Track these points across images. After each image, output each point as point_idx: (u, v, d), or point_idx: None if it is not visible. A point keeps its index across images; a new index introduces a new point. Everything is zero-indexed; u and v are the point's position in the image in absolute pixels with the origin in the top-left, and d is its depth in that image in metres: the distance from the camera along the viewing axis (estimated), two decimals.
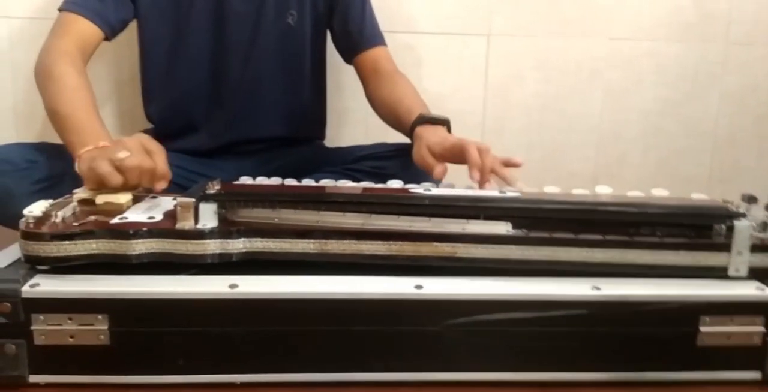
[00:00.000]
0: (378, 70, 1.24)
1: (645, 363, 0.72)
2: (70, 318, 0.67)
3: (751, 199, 0.77)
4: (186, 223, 0.72)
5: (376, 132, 1.46)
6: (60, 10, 1.12)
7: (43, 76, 1.04)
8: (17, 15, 1.35)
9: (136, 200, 0.82)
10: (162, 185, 0.84)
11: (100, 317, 0.67)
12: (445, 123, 1.04)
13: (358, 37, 1.25)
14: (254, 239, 0.73)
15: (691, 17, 1.51)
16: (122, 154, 0.80)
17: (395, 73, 1.24)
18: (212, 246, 0.71)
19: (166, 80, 1.23)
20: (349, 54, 1.27)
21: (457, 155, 0.92)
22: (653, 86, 1.54)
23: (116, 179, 0.80)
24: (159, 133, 1.26)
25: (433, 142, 0.97)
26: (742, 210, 0.76)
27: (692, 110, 1.56)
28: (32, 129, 1.38)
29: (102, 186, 0.80)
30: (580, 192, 0.84)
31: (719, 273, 0.74)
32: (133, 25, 1.21)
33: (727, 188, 1.58)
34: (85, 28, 1.11)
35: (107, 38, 1.14)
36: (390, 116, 1.18)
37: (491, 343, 0.71)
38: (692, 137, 1.58)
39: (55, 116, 0.99)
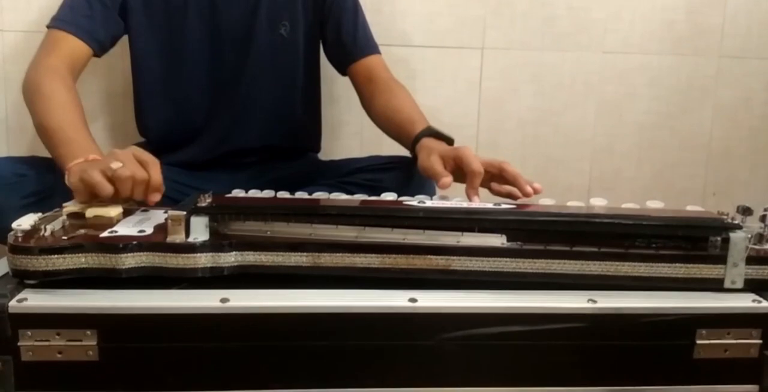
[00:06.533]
0: (373, 79, 1.23)
1: (641, 377, 0.72)
2: (58, 334, 0.66)
3: (746, 211, 0.76)
4: (177, 237, 0.71)
5: (370, 144, 1.46)
6: (48, 27, 1.12)
7: (32, 93, 1.03)
8: (9, 28, 1.35)
9: (127, 213, 0.81)
10: (155, 197, 0.82)
11: (88, 332, 0.66)
12: (450, 142, 1.04)
13: (352, 47, 1.25)
14: (246, 252, 0.72)
15: (684, 31, 1.52)
16: (115, 165, 0.79)
17: (391, 81, 1.23)
18: (203, 260, 0.71)
19: (161, 94, 1.22)
20: (343, 64, 1.27)
21: (459, 167, 0.92)
22: (647, 99, 1.55)
23: (107, 189, 0.78)
24: (152, 147, 1.24)
25: (443, 150, 0.97)
26: (737, 222, 0.75)
27: (686, 123, 1.56)
28: (23, 142, 1.37)
29: (93, 197, 0.79)
30: (574, 204, 0.83)
31: (715, 285, 0.74)
32: (123, 39, 1.20)
33: (721, 201, 1.58)
34: (74, 46, 1.10)
35: (97, 55, 1.14)
36: (388, 125, 1.18)
37: (486, 357, 0.70)
38: (686, 150, 1.58)
39: (44, 131, 0.98)
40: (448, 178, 0.91)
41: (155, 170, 0.82)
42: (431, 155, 0.96)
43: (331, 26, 1.25)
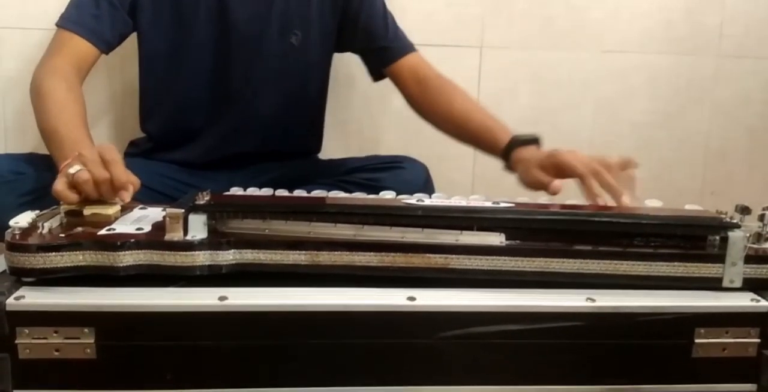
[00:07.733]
0: (420, 79, 1.22)
1: (640, 376, 0.72)
2: (55, 332, 0.66)
3: (744, 210, 0.76)
4: (175, 235, 0.71)
5: (369, 144, 1.46)
6: (57, 26, 1.11)
7: (35, 94, 1.04)
8: (7, 25, 1.35)
9: (125, 211, 0.81)
10: (124, 196, 0.79)
11: (86, 330, 0.66)
12: (537, 142, 1.06)
13: (388, 50, 1.24)
14: (244, 250, 0.72)
15: (683, 30, 1.52)
16: (73, 169, 0.78)
17: (441, 78, 1.22)
18: (201, 258, 0.71)
19: (166, 93, 1.22)
20: (382, 67, 1.25)
21: (560, 170, 0.96)
22: (645, 99, 1.55)
23: (69, 198, 0.77)
24: (155, 145, 1.25)
25: (539, 159, 0.99)
26: (735, 221, 0.75)
27: (684, 123, 1.57)
28: (22, 140, 1.36)
29: (68, 201, 0.78)
30: (573, 203, 0.83)
31: (713, 284, 0.74)
32: (130, 38, 1.20)
33: (719, 200, 1.58)
34: (81, 46, 1.10)
35: (104, 52, 1.14)
36: (460, 132, 1.18)
37: (485, 356, 0.70)
38: (684, 149, 1.58)
39: (43, 133, 0.98)
40: (557, 182, 0.93)
41: (118, 169, 0.79)
42: (530, 169, 0.99)
43: (362, 36, 1.23)
